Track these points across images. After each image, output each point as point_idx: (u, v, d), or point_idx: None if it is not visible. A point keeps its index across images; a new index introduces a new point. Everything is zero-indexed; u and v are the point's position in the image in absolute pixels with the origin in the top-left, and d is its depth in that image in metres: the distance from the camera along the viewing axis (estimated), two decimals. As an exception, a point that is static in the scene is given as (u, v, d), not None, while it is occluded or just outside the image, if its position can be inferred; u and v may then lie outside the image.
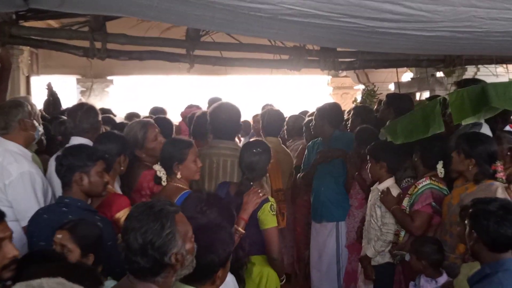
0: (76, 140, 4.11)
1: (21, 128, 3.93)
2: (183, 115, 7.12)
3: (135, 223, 2.23)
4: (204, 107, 6.60)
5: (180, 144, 3.91)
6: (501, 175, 3.88)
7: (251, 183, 3.91)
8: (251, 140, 4.27)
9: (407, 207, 4.33)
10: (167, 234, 2.21)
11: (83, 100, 10.15)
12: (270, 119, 6.00)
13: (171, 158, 3.83)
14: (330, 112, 5.73)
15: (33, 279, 1.58)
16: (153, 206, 2.27)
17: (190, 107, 7.19)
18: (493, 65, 5.55)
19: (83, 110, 4.32)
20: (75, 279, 1.61)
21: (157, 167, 3.85)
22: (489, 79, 4.90)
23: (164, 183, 3.84)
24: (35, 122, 4.06)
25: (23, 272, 2.40)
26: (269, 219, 3.78)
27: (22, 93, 8.60)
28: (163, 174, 3.82)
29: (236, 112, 4.65)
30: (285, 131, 7.08)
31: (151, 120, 4.74)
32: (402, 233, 4.42)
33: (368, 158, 4.71)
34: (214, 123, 4.58)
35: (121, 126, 4.90)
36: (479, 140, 3.96)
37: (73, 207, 3.26)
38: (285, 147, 6.31)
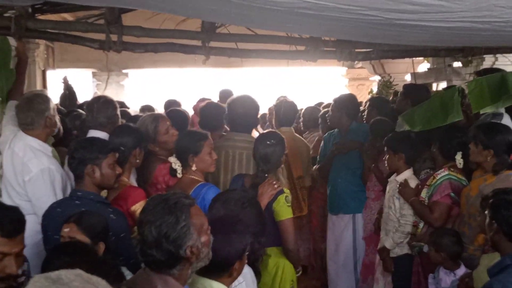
0: (93, 134, 4.13)
1: (46, 125, 3.96)
2: (194, 108, 7.10)
3: (150, 216, 2.23)
4: (216, 100, 6.60)
5: (195, 136, 3.90)
6: None
7: (266, 175, 3.89)
8: (265, 131, 4.25)
9: (426, 198, 4.30)
10: (182, 227, 2.21)
11: (99, 93, 10.18)
12: (286, 110, 5.99)
13: (186, 150, 3.82)
14: (348, 103, 5.70)
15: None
16: (168, 199, 2.27)
17: (201, 100, 7.17)
18: (511, 54, 5.47)
19: (100, 103, 4.32)
20: (97, 273, 1.61)
21: (173, 159, 3.85)
22: (508, 69, 4.83)
23: (179, 175, 3.84)
24: (57, 119, 4.09)
25: (49, 265, 2.41)
26: (284, 210, 3.76)
27: (39, 86, 8.66)
28: (179, 166, 3.82)
29: (254, 105, 4.67)
30: (301, 123, 7.06)
31: (162, 113, 4.74)
32: (421, 225, 4.39)
33: (385, 149, 4.67)
34: (231, 115, 4.60)
35: (136, 119, 4.90)
36: (497, 130, 3.91)
37: (86, 200, 3.28)
38: (299, 136, 6.29)
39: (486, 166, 3.88)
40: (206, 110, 5.23)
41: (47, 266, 2.42)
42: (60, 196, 3.73)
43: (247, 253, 2.72)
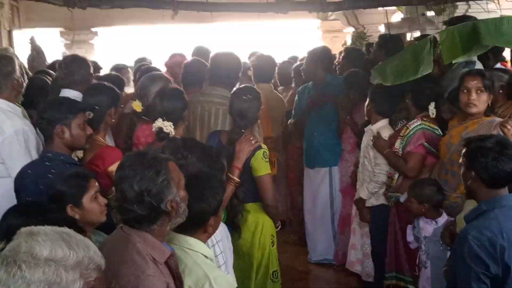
0: (66, 93, 4.04)
1: (13, 87, 3.86)
2: (167, 65, 6.97)
3: (129, 172, 2.19)
4: (188, 56, 6.50)
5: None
6: None
7: (243, 130, 3.84)
8: (241, 86, 4.19)
9: (400, 149, 4.31)
10: (162, 181, 2.19)
11: (68, 53, 9.96)
12: (261, 65, 5.91)
13: (179, 109, 3.77)
14: (322, 55, 5.66)
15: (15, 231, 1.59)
16: (145, 154, 2.26)
17: (173, 56, 7.04)
18: (484, 1, 5.43)
19: (74, 61, 4.23)
20: None
21: (166, 123, 3.65)
22: (481, 16, 4.80)
23: None
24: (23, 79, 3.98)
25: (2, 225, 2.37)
26: (262, 166, 3.74)
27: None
28: (171, 127, 3.64)
29: (236, 62, 4.64)
30: (277, 79, 6.99)
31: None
32: (396, 176, 4.42)
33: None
34: (213, 69, 4.56)
35: (105, 78, 4.80)
36: None
37: (56, 161, 3.22)
38: (277, 93, 6.23)
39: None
40: (191, 67, 5.14)
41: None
42: (35, 157, 3.65)
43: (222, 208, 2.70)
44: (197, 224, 2.53)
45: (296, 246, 6.28)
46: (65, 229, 1.60)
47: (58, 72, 4.38)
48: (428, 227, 3.86)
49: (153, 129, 3.68)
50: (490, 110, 3.86)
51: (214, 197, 2.58)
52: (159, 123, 3.66)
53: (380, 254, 4.56)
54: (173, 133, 3.64)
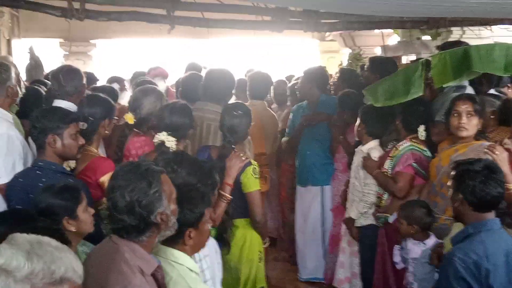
0: (59, 103, 4.02)
1: (7, 95, 3.86)
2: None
3: (121, 182, 2.21)
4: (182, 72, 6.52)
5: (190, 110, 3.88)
6: None
7: (233, 146, 3.85)
8: (232, 102, 4.21)
9: (389, 170, 4.34)
10: (154, 193, 2.20)
11: (66, 64, 10.01)
12: (256, 82, 5.94)
13: (186, 126, 3.78)
14: (318, 75, 5.70)
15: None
16: (139, 165, 2.27)
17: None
18: (477, 27, 5.51)
19: (66, 72, 4.23)
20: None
21: (170, 138, 3.64)
22: (474, 42, 4.86)
23: None
24: (18, 88, 3.98)
25: None
26: (252, 182, 3.76)
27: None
28: (173, 142, 3.63)
29: (230, 78, 4.68)
30: (272, 97, 7.02)
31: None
32: (385, 196, 4.44)
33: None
34: (207, 84, 4.59)
35: (101, 89, 4.82)
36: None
37: (47, 170, 3.22)
38: (270, 110, 6.26)
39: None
40: (189, 81, 5.16)
41: None
42: (18, 164, 3.62)
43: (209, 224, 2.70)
44: (174, 235, 2.49)
45: (286, 264, 6.29)
46: (42, 238, 1.57)
47: (51, 83, 4.39)
48: (416, 249, 3.86)
49: (154, 141, 3.69)
50: (482, 135, 3.90)
51: (191, 209, 2.55)
52: (162, 136, 3.66)
53: (368, 273, 4.57)
54: (174, 149, 3.62)
